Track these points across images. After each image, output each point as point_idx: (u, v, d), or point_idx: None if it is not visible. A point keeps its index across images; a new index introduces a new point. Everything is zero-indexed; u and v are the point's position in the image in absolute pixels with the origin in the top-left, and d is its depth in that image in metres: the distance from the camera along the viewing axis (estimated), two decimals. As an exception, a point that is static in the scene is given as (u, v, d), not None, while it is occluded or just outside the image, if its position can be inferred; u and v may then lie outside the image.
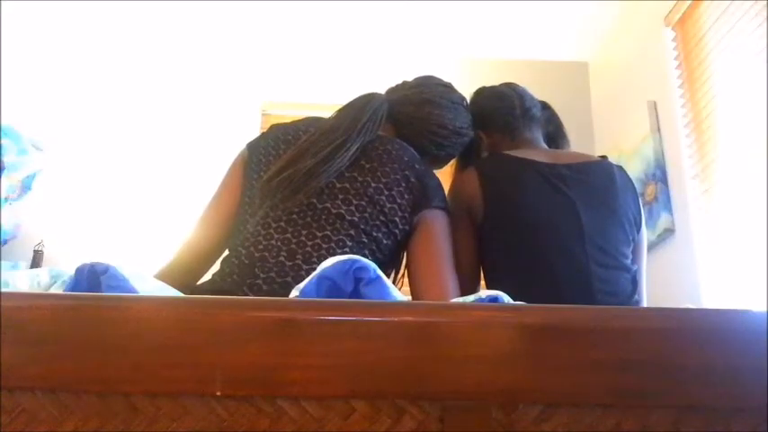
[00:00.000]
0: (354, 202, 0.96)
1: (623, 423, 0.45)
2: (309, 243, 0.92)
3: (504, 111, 1.32)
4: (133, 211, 2.81)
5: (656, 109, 2.53)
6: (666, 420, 0.45)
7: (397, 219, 0.97)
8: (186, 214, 2.42)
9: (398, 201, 0.97)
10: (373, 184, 0.97)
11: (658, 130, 2.50)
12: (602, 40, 3.08)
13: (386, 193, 0.97)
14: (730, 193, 2.05)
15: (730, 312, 0.49)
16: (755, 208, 1.88)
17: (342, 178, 0.98)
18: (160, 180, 2.89)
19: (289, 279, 0.88)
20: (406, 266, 1.03)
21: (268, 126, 1.15)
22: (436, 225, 1.00)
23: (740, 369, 0.46)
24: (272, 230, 0.94)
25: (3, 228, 2.44)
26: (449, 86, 1.23)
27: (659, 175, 2.41)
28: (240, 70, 3.19)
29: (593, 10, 2.89)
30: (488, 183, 1.17)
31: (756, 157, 1.90)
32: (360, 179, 0.98)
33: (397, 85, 1.23)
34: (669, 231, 2.32)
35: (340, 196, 0.96)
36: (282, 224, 0.94)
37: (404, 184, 0.99)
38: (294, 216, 0.95)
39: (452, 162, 1.30)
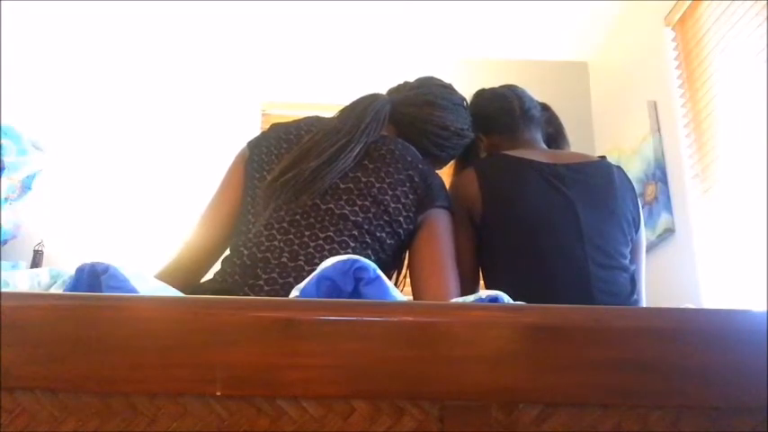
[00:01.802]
0: (358, 202, 0.95)
1: (623, 423, 0.45)
2: (312, 244, 0.92)
3: (503, 112, 1.32)
4: (133, 211, 2.81)
5: (656, 109, 2.53)
6: (666, 420, 0.45)
7: (401, 218, 0.97)
8: (186, 214, 2.43)
9: (403, 201, 0.97)
10: (377, 185, 0.97)
11: (658, 130, 2.50)
12: (602, 40, 3.08)
13: (390, 192, 0.97)
14: (730, 193, 2.05)
15: (730, 312, 0.49)
16: (755, 208, 1.88)
17: (345, 179, 0.98)
18: (160, 180, 2.89)
19: (291, 280, 0.88)
20: (408, 266, 1.03)
21: (268, 126, 1.14)
22: (440, 225, 1.00)
23: (740, 369, 0.46)
24: (274, 231, 0.94)
25: (3, 228, 2.44)
26: (449, 87, 1.23)
27: (659, 175, 2.41)
28: (240, 70, 3.19)
29: (593, 10, 2.89)
30: (487, 183, 1.18)
31: (756, 157, 1.90)
32: (363, 179, 0.98)
33: (398, 86, 1.23)
34: (669, 231, 2.32)
35: (344, 197, 0.96)
36: (285, 225, 0.94)
37: (408, 184, 0.99)
38: (297, 217, 0.95)
39: (451, 163, 1.31)
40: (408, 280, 1.02)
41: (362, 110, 1.05)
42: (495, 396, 0.45)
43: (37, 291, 0.78)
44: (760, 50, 1.92)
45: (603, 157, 1.30)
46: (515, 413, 0.45)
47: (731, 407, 0.45)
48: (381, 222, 0.95)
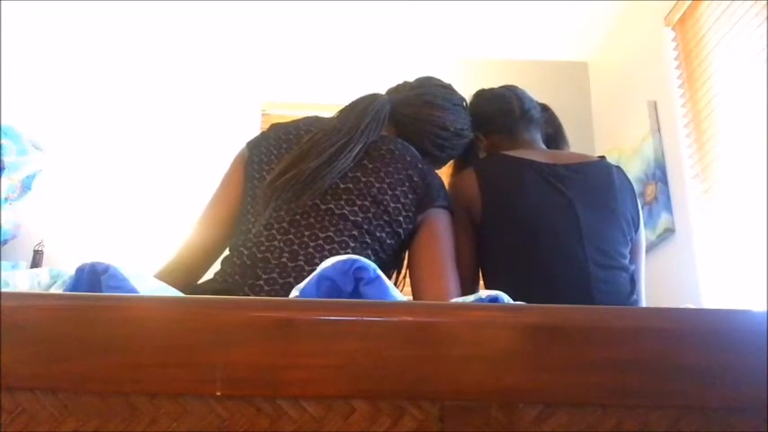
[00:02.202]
0: (358, 202, 0.96)
1: (623, 423, 0.45)
2: (312, 244, 0.92)
3: (503, 113, 1.32)
4: (133, 211, 2.81)
5: (656, 109, 2.53)
6: (666, 420, 0.45)
7: (401, 218, 0.97)
8: (186, 214, 2.42)
9: (402, 200, 0.97)
10: (377, 185, 0.97)
11: (658, 130, 2.50)
12: (602, 40, 3.08)
13: (389, 192, 0.97)
14: (730, 193, 2.05)
15: (730, 312, 0.49)
16: (755, 208, 1.88)
17: (345, 179, 0.98)
18: (160, 180, 2.89)
19: (291, 280, 0.88)
20: (407, 266, 1.03)
21: (268, 126, 1.14)
22: (439, 224, 1.00)
23: (740, 369, 0.46)
24: (274, 231, 0.94)
25: (3, 228, 2.44)
26: (449, 88, 1.23)
27: (659, 175, 2.41)
28: (240, 70, 3.19)
29: (593, 10, 2.89)
30: (487, 183, 1.18)
31: (756, 157, 1.90)
32: (363, 179, 0.98)
33: (397, 86, 1.23)
34: (669, 231, 2.32)
35: (344, 197, 0.96)
36: (285, 225, 0.94)
37: (407, 184, 0.99)
38: (297, 217, 0.95)
39: (451, 163, 1.31)
40: (408, 280, 1.02)
41: (362, 110, 1.05)
42: (495, 396, 0.45)
43: (37, 291, 0.78)
44: (760, 50, 1.92)
45: (603, 157, 1.30)
46: (515, 413, 0.45)
47: (731, 407, 0.45)
48: (381, 222, 0.95)
